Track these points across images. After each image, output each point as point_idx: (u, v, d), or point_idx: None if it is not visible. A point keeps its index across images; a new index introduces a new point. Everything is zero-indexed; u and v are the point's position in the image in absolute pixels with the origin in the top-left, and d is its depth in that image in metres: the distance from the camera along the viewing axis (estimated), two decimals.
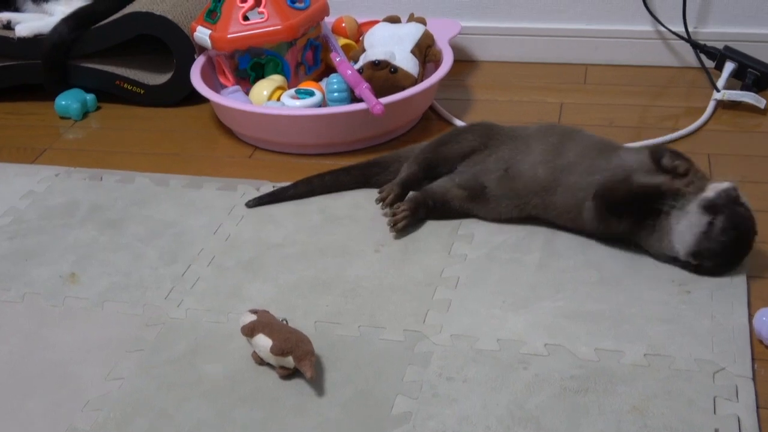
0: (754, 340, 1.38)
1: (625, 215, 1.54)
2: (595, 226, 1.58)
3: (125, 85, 2.21)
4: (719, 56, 2.15)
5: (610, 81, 2.24)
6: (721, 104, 2.08)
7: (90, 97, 2.21)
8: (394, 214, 1.66)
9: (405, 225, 1.66)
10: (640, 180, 1.53)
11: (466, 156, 1.70)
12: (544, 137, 1.67)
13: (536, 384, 1.32)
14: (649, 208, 1.51)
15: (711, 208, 1.47)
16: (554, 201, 1.62)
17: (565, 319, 1.44)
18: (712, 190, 1.49)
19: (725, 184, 1.49)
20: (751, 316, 1.41)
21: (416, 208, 1.67)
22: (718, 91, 2.09)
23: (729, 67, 2.13)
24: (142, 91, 2.21)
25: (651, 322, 1.42)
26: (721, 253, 1.48)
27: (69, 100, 2.19)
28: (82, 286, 1.59)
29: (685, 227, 1.49)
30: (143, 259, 1.65)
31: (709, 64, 2.19)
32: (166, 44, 2.15)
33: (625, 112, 2.09)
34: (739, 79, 2.12)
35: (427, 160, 1.73)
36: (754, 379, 1.31)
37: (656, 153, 1.57)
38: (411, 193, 1.70)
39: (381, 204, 1.70)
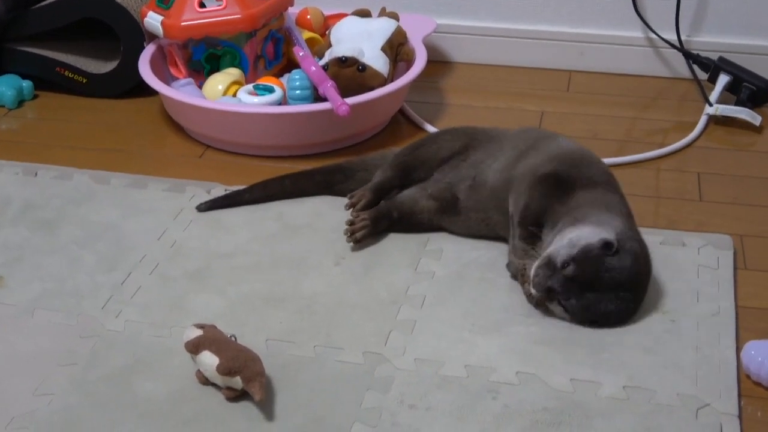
0: (742, 374, 1.39)
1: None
2: None
3: (66, 73, 2.19)
4: (713, 68, 2.17)
5: (596, 90, 2.26)
6: (714, 119, 2.10)
7: (27, 84, 2.20)
8: (352, 223, 1.66)
9: (364, 236, 1.65)
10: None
11: (444, 160, 1.70)
12: (517, 141, 1.68)
13: (506, 415, 1.32)
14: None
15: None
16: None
17: (539, 345, 1.45)
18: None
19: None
20: (738, 349, 1.43)
21: (378, 218, 1.67)
22: (710, 105, 2.11)
23: (723, 79, 2.15)
24: (84, 80, 2.19)
25: (631, 351, 1.43)
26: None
27: (3, 87, 2.17)
28: (10, 291, 1.57)
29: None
30: (79, 264, 1.64)
31: (702, 75, 2.21)
32: (113, 29, 2.14)
33: (609, 124, 2.11)
34: (733, 93, 2.15)
35: (404, 163, 1.73)
36: (740, 417, 1.32)
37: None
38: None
39: (351, 210, 1.69)
